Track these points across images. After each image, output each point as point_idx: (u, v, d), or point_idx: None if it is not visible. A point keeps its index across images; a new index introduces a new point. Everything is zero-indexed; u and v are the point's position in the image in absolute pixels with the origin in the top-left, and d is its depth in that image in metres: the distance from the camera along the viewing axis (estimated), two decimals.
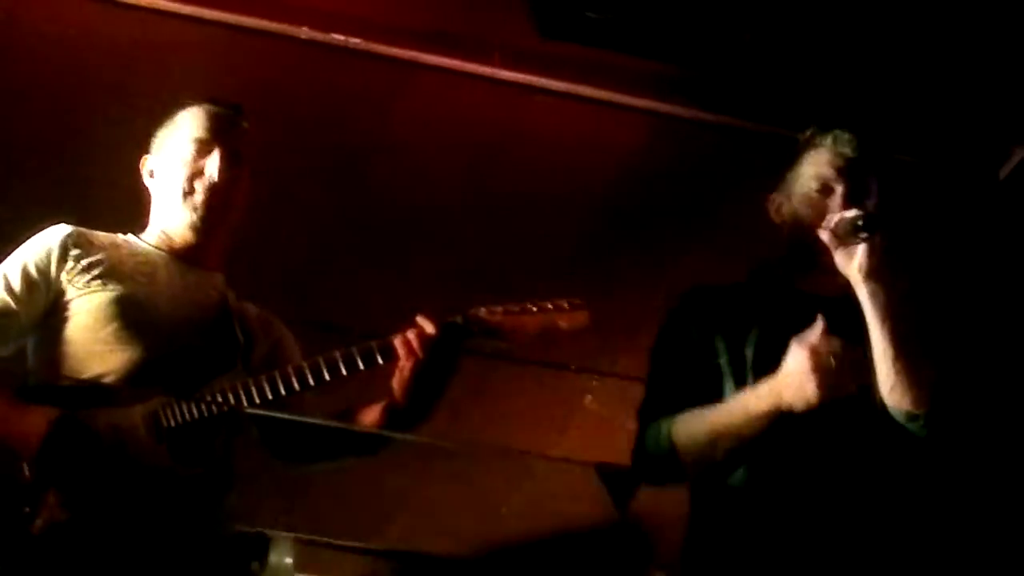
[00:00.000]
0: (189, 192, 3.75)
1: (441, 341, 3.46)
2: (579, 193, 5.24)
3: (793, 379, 3.31)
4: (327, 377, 3.46)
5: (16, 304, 3.64)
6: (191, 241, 3.78)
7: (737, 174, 4.96)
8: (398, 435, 3.56)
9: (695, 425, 3.46)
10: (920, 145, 5.16)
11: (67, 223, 3.77)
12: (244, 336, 3.70)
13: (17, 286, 3.65)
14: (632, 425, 3.62)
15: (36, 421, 3.40)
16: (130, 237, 3.85)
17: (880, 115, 4.88)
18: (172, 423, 3.44)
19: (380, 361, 3.47)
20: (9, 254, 3.74)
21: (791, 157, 3.75)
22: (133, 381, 3.49)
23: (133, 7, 4.85)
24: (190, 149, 3.78)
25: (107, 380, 3.50)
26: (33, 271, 3.66)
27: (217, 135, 3.80)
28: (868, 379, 3.37)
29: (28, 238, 3.76)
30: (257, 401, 3.45)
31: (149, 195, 3.90)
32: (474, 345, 3.50)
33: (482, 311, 3.49)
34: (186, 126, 3.84)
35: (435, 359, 3.47)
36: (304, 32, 4.98)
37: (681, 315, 3.70)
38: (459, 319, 3.48)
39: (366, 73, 5.06)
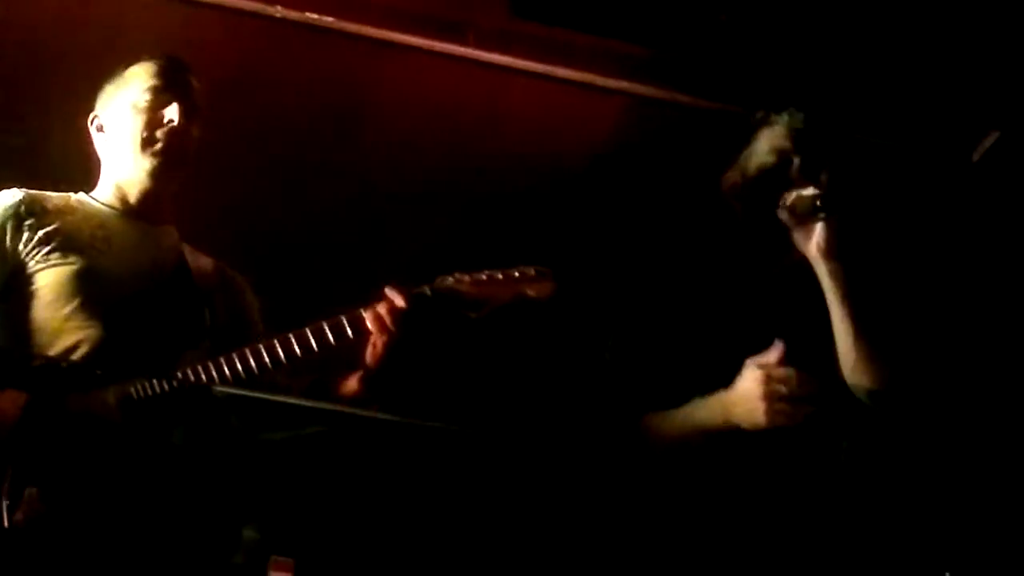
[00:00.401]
0: (148, 140, 3.77)
1: (411, 313, 3.47)
2: (554, 173, 5.23)
3: (744, 401, 3.34)
4: (298, 353, 3.46)
5: None
6: (148, 191, 3.80)
7: (713, 155, 4.95)
8: (389, 416, 3.56)
9: (659, 423, 3.52)
10: (893, 128, 5.17)
11: (16, 186, 3.76)
12: (206, 302, 3.68)
13: None
14: None
15: (4, 407, 3.37)
16: (83, 197, 3.85)
17: (854, 97, 4.89)
18: (141, 393, 3.45)
19: (350, 335, 3.48)
20: None
21: (744, 136, 3.75)
22: (102, 357, 3.47)
23: None
24: (146, 98, 3.80)
25: (76, 355, 3.48)
26: None
27: (173, 84, 3.84)
28: (817, 409, 3.38)
29: None
30: (229, 379, 3.44)
31: (96, 153, 3.91)
32: (443, 314, 3.49)
33: (449, 280, 3.52)
34: (139, 78, 3.86)
35: (406, 330, 3.49)
36: (278, 10, 4.96)
37: (646, 295, 3.71)
38: (427, 290, 3.50)
39: (339, 53, 5.04)
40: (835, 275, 3.44)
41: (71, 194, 3.85)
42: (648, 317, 3.69)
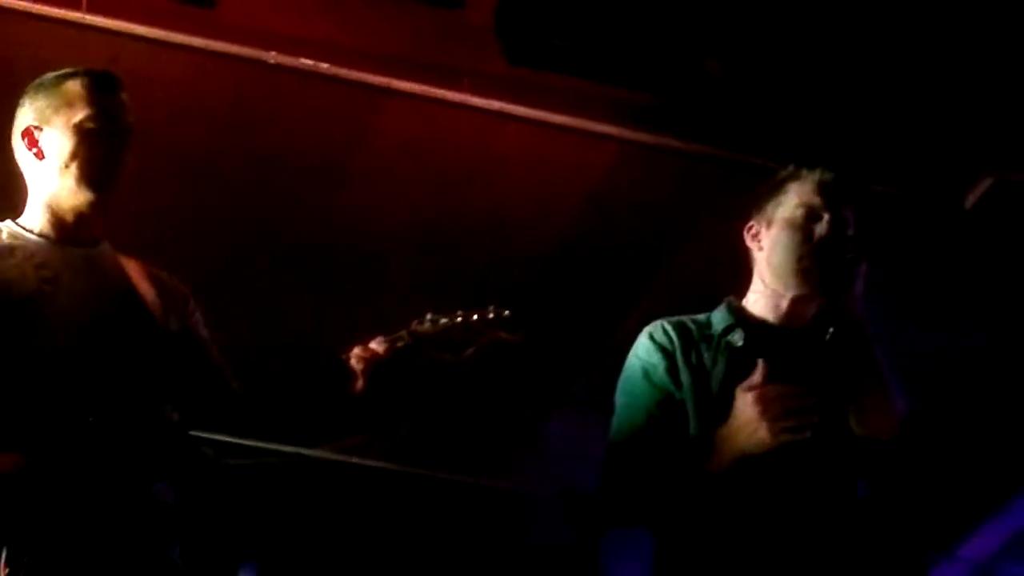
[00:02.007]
0: (70, 171, 3.55)
1: (390, 363, 3.46)
2: (547, 218, 5.25)
3: (744, 427, 3.34)
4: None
5: None
6: (81, 215, 3.58)
7: (704, 201, 4.98)
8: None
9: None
10: (886, 174, 5.19)
11: None
12: (160, 320, 3.61)
13: None
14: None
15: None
16: (12, 227, 3.63)
17: (846, 144, 4.91)
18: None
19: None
20: None
21: (771, 188, 3.76)
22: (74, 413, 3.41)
23: (106, 31, 4.84)
24: (70, 124, 3.57)
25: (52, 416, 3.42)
26: None
27: (102, 111, 3.58)
28: (816, 423, 3.38)
29: None
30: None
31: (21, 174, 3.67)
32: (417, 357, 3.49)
33: (425, 324, 3.48)
34: (74, 92, 3.62)
35: (385, 378, 3.47)
36: (272, 57, 4.98)
37: (646, 350, 3.70)
38: (406, 338, 3.47)
39: (335, 98, 5.06)
40: (856, 323, 3.46)
41: (0, 226, 3.63)
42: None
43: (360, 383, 3.46)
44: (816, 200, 3.63)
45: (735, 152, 5.07)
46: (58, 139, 3.59)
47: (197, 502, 3.72)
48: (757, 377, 3.36)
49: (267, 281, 5.23)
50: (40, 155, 3.62)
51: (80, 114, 3.58)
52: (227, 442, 3.66)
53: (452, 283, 5.14)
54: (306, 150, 5.11)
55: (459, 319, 3.47)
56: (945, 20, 4.83)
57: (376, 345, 3.48)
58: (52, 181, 3.61)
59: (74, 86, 3.64)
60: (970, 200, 5.37)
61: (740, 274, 3.73)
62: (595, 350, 4.50)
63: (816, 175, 3.68)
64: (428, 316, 3.49)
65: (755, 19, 4.86)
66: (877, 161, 5.11)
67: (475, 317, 3.46)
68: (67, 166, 3.58)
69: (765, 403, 3.32)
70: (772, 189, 3.74)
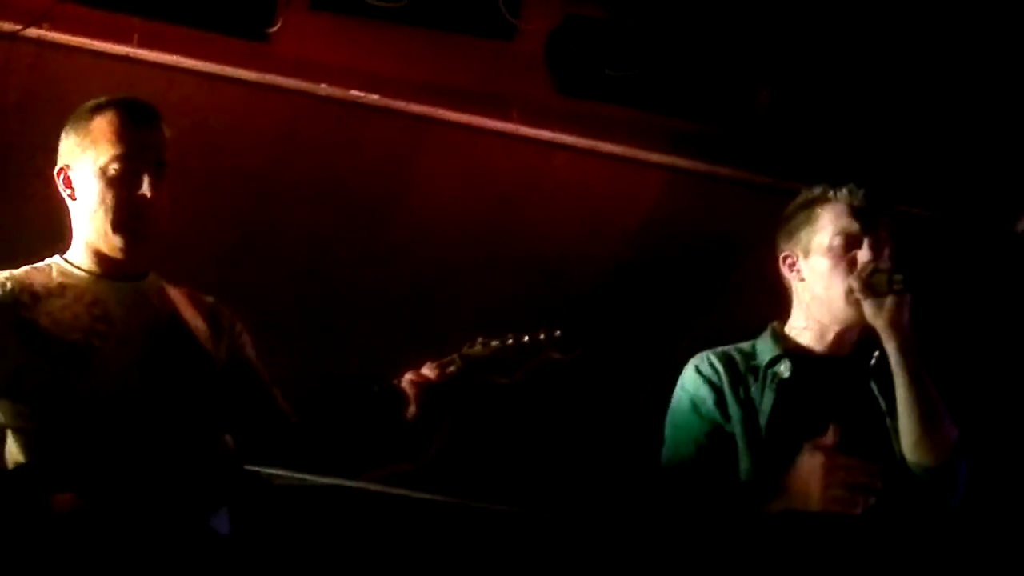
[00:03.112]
0: (120, 220, 3.53)
1: (442, 387, 3.45)
2: (598, 247, 5.25)
3: (801, 483, 3.32)
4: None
5: None
6: (121, 255, 3.57)
7: (755, 229, 4.97)
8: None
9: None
10: (936, 199, 5.18)
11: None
12: (208, 349, 3.60)
13: None
14: None
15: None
16: (61, 264, 3.63)
17: (896, 169, 4.90)
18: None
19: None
20: None
21: (801, 212, 3.73)
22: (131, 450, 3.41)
23: (157, 64, 4.87)
24: (115, 167, 3.53)
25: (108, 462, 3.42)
26: None
27: (137, 147, 3.55)
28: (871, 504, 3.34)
29: None
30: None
31: (67, 210, 3.66)
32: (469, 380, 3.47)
33: (476, 347, 3.47)
34: (103, 136, 3.56)
35: (436, 403, 3.46)
36: (323, 88, 5.00)
37: (693, 383, 3.68)
38: (457, 362, 3.46)
39: (385, 129, 5.08)
40: (907, 350, 3.43)
41: (49, 263, 3.63)
42: None
43: (412, 409, 3.45)
44: (853, 225, 3.59)
45: (785, 180, 5.06)
46: (85, 182, 3.57)
47: (252, 532, 3.73)
48: (828, 440, 3.33)
49: (319, 310, 5.24)
50: (73, 196, 3.61)
51: (104, 156, 3.53)
52: (279, 475, 3.64)
53: (503, 312, 5.14)
54: (357, 181, 5.12)
55: (510, 341, 3.45)
56: (995, 46, 4.83)
57: (427, 370, 3.47)
58: (87, 223, 3.59)
59: (101, 122, 3.58)
60: (1021, 225, 5.36)
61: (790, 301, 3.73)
62: (647, 379, 4.49)
63: (845, 196, 3.64)
64: (479, 339, 3.49)
65: (805, 48, 4.87)
66: (927, 186, 5.10)
67: (526, 339, 3.44)
68: (96, 211, 3.56)
69: (830, 473, 3.30)
70: (801, 213, 3.70)
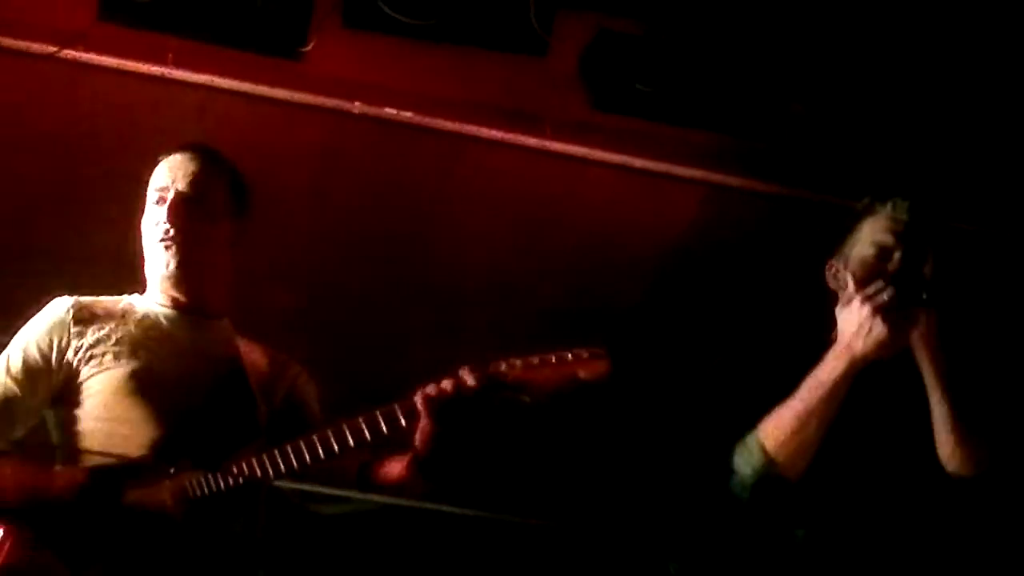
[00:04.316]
0: (154, 244, 3.73)
1: (462, 401, 3.35)
2: (631, 262, 5.25)
3: (858, 331, 3.33)
4: (351, 443, 3.38)
5: (20, 390, 3.62)
6: (178, 292, 3.74)
7: (791, 243, 4.96)
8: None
9: (779, 422, 3.45)
10: (976, 212, 5.15)
11: (69, 293, 3.75)
12: (261, 395, 3.66)
13: (19, 372, 3.63)
14: None
15: (60, 484, 3.42)
16: (134, 298, 3.80)
17: (934, 182, 4.87)
18: (199, 495, 3.42)
19: (403, 423, 3.38)
20: (18, 327, 3.73)
21: (849, 224, 3.76)
22: (159, 456, 3.47)
23: (186, 84, 4.90)
24: (154, 198, 3.76)
25: (130, 456, 3.48)
26: (35, 355, 3.64)
27: (173, 181, 3.75)
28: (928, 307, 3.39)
29: (36, 308, 3.74)
30: (283, 471, 3.41)
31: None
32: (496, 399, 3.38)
33: (503, 367, 3.37)
34: (155, 176, 3.80)
35: (457, 418, 3.38)
36: (356, 107, 5.02)
37: (733, 384, 3.69)
38: (481, 378, 3.37)
39: (419, 147, 5.09)
40: (936, 363, 3.44)
41: (123, 297, 3.81)
42: (736, 402, 3.68)
43: (425, 423, 3.37)
44: (888, 238, 3.61)
45: (820, 194, 5.05)
46: (146, 219, 3.78)
47: (283, 555, 3.74)
48: (851, 289, 3.36)
49: (353, 327, 5.25)
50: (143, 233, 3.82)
51: (154, 197, 3.76)
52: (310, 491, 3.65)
53: (535, 328, 5.14)
54: (392, 198, 5.14)
55: (536, 361, 3.37)
56: None
57: (447, 383, 3.39)
58: (148, 258, 3.78)
59: (160, 166, 3.81)
60: None
61: (826, 314, 3.72)
62: (681, 393, 4.47)
63: (889, 210, 3.65)
64: (509, 359, 3.40)
65: (837, 61, 4.85)
66: (963, 198, 5.07)
67: (553, 359, 3.37)
68: (149, 246, 3.76)
69: (872, 299, 3.34)
70: (850, 225, 3.73)
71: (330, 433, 3.40)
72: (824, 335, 3.68)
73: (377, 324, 4.98)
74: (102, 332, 3.65)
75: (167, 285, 3.75)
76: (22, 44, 4.77)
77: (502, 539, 4.67)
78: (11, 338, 3.71)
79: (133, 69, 4.89)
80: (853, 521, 3.48)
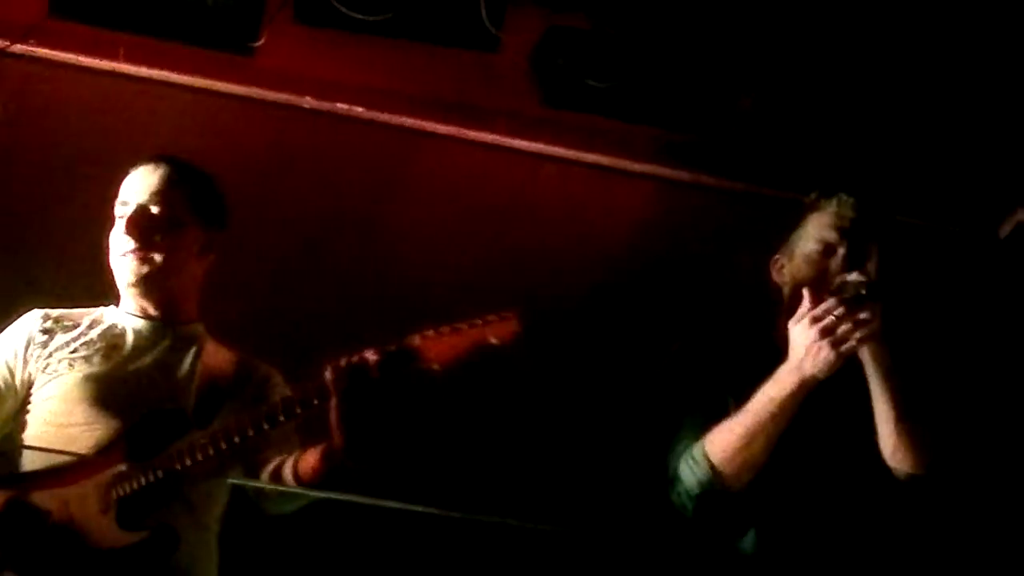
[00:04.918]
0: (117, 256, 3.75)
1: (369, 375, 3.27)
2: (584, 257, 5.26)
3: (805, 352, 3.33)
4: (265, 427, 3.34)
5: None
6: (146, 302, 3.76)
7: (738, 236, 4.99)
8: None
9: (726, 436, 3.45)
10: (920, 206, 5.19)
11: (44, 303, 3.79)
12: (203, 395, 3.63)
13: None
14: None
15: None
16: (109, 309, 3.83)
17: (880, 176, 4.91)
18: (122, 492, 3.40)
19: (316, 402, 3.32)
20: None
21: (795, 219, 3.78)
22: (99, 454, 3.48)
23: (143, 79, 4.90)
24: (118, 212, 3.77)
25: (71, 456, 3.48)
26: (3, 370, 3.67)
27: (135, 194, 3.77)
28: (877, 328, 3.37)
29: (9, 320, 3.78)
30: (206, 458, 3.36)
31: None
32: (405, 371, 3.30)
33: (416, 340, 3.32)
34: (120, 189, 3.81)
35: (367, 394, 3.29)
36: (307, 101, 5.03)
37: (687, 364, 3.71)
38: (385, 350, 3.30)
39: (371, 142, 5.10)
40: (879, 359, 3.45)
41: (98, 308, 3.83)
42: (690, 388, 3.70)
43: (334, 401, 3.29)
44: (832, 235, 3.63)
45: (770, 188, 5.08)
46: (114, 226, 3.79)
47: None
48: (805, 305, 3.37)
49: (304, 321, 5.25)
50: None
51: (117, 209, 3.77)
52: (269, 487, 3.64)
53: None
54: (343, 193, 5.14)
55: (447, 329, 3.33)
56: (979, 51, 4.84)
57: (352, 358, 3.31)
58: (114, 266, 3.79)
59: (136, 170, 3.82)
60: (1005, 230, 5.37)
61: (778, 309, 3.75)
62: (631, 386, 4.50)
63: (834, 206, 3.68)
64: (423, 330, 3.34)
65: (786, 55, 4.88)
66: (910, 193, 5.11)
67: (465, 326, 3.35)
68: (113, 257, 3.77)
69: (819, 321, 3.33)
70: (796, 220, 3.75)
71: (247, 418, 3.37)
72: (770, 332, 3.72)
73: (327, 320, 4.96)
74: (63, 341, 3.68)
75: (134, 294, 3.77)
76: None
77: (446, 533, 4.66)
78: None
79: (84, 64, 4.89)
80: (801, 527, 3.49)
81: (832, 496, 3.48)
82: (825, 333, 3.32)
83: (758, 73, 4.92)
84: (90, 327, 3.74)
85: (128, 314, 3.79)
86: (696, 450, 3.48)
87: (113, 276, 3.79)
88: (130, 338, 3.72)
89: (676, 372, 3.73)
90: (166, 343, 3.74)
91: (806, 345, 3.34)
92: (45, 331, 3.70)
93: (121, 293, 3.81)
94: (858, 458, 3.48)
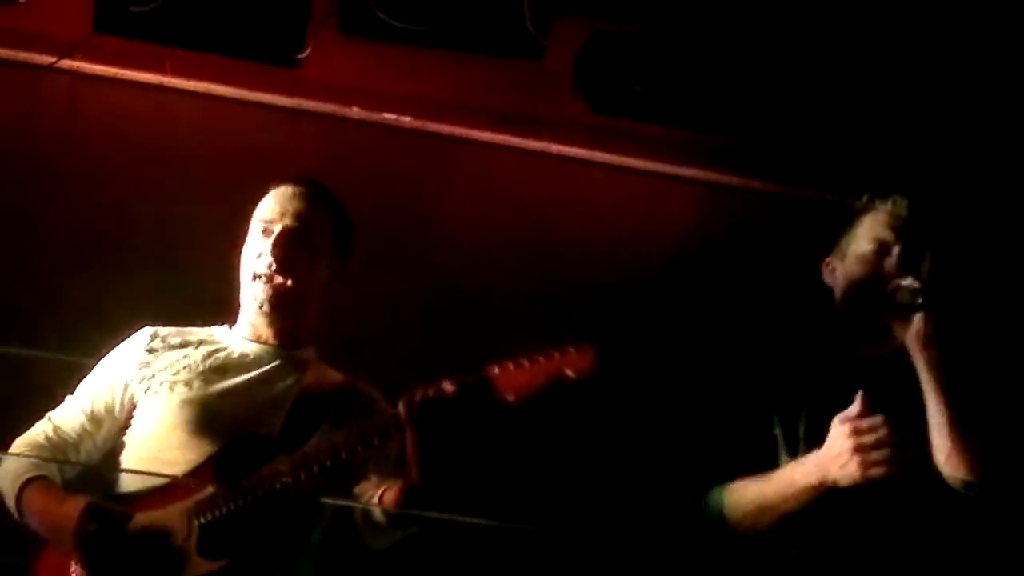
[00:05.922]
0: (252, 277, 3.65)
1: (445, 406, 3.24)
2: (632, 263, 5.25)
3: (836, 458, 3.31)
4: (344, 457, 3.32)
5: (90, 423, 3.64)
6: (267, 327, 3.68)
7: (788, 241, 4.96)
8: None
9: (744, 495, 3.47)
10: (971, 207, 5.15)
11: (158, 321, 3.76)
12: (294, 418, 3.57)
13: (89, 406, 3.66)
14: None
15: (69, 511, 3.41)
16: (220, 329, 3.77)
17: (930, 177, 4.88)
18: (205, 519, 3.38)
19: (394, 433, 3.31)
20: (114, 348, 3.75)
21: (848, 221, 3.75)
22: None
23: (189, 92, 4.91)
24: (258, 229, 3.68)
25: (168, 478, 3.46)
26: (105, 388, 3.66)
27: (282, 215, 3.68)
28: (910, 458, 3.33)
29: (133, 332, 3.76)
30: (288, 482, 3.34)
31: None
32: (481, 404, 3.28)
33: (495, 370, 3.29)
34: (261, 206, 3.73)
35: (442, 424, 3.26)
36: (355, 112, 5.03)
37: (732, 384, 3.69)
38: (462, 381, 3.27)
39: (418, 151, 5.10)
40: (932, 365, 3.42)
41: (211, 328, 3.78)
42: (735, 402, 3.68)
43: (410, 432, 3.27)
44: (888, 233, 3.60)
45: (818, 191, 5.05)
46: (244, 253, 3.70)
47: None
48: (855, 409, 3.33)
49: (349, 331, 5.25)
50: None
51: (257, 228, 3.70)
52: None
53: (536, 332, 5.12)
54: (391, 203, 5.14)
55: (525, 362, 3.29)
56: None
57: (427, 390, 3.28)
58: (241, 291, 3.72)
59: (265, 198, 3.76)
60: None
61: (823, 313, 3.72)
62: (684, 394, 4.48)
63: (888, 206, 3.65)
64: (501, 362, 3.31)
65: (834, 57, 4.86)
66: (962, 194, 5.07)
67: (541, 358, 3.30)
68: (245, 279, 3.70)
69: (859, 435, 3.29)
70: (848, 222, 3.73)
71: (326, 447, 3.36)
72: (821, 339, 3.69)
73: (374, 329, 4.96)
74: (165, 363, 3.63)
75: (258, 318, 3.68)
76: (20, 55, 4.80)
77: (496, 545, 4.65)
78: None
79: (129, 78, 4.90)
80: (849, 536, 3.46)
81: (884, 506, 3.45)
82: (859, 450, 3.29)
83: (806, 75, 4.90)
84: (197, 346, 3.68)
85: (241, 338, 3.72)
86: (716, 495, 3.52)
87: (239, 298, 3.73)
88: (236, 362, 3.66)
89: (720, 392, 3.71)
90: (271, 367, 3.66)
91: (839, 451, 3.31)
92: (150, 350, 3.66)
93: (241, 315, 3.74)
94: (911, 467, 3.44)
